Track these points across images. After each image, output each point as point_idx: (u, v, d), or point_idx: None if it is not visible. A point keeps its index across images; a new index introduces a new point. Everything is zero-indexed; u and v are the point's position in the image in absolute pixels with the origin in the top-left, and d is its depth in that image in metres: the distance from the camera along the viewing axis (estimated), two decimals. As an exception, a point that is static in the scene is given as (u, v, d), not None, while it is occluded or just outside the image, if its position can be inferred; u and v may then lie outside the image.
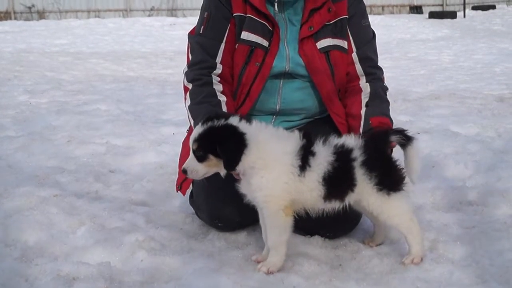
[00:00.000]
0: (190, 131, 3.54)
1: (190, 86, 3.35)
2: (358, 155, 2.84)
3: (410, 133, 2.91)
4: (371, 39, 3.50)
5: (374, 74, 3.46)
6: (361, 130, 3.26)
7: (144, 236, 3.18)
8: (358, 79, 3.43)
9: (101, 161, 4.74)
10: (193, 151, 2.80)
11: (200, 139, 2.77)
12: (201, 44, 3.36)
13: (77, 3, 23.72)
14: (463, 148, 4.90)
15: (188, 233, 3.38)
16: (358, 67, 3.43)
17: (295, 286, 2.76)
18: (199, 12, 3.52)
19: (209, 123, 2.77)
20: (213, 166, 2.80)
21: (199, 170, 2.81)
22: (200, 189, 3.32)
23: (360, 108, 3.34)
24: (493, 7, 24.90)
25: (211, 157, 2.77)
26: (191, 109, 3.30)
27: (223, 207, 3.24)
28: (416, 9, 25.84)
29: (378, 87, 3.42)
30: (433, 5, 26.46)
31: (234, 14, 3.33)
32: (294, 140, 2.84)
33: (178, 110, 6.69)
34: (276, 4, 3.35)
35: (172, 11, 24.31)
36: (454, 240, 3.21)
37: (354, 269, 2.97)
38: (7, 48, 14.08)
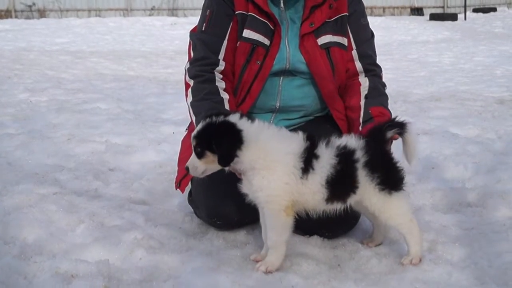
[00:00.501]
0: (189, 129, 3.54)
1: (192, 82, 3.34)
2: (360, 156, 2.83)
3: (401, 119, 2.91)
4: (370, 38, 3.52)
5: (374, 71, 3.48)
6: (361, 120, 3.27)
7: (143, 234, 3.19)
8: (358, 75, 3.44)
9: (100, 160, 4.74)
10: (193, 148, 2.81)
11: (198, 136, 2.78)
12: (204, 41, 3.35)
13: (78, 2, 23.75)
14: (463, 149, 4.89)
15: (187, 232, 3.38)
16: (358, 64, 3.44)
17: (293, 285, 2.75)
18: (200, 12, 3.51)
19: (208, 120, 2.77)
20: (211, 163, 2.79)
21: (198, 167, 2.81)
22: (199, 187, 3.32)
23: (360, 100, 3.35)
24: (494, 9, 24.90)
25: (208, 153, 2.77)
26: (193, 105, 3.29)
27: (221, 204, 3.24)
28: (417, 11, 25.82)
29: (377, 82, 3.45)
30: (434, 7, 26.46)
31: (237, 12, 3.34)
32: (297, 141, 2.82)
33: (178, 109, 6.70)
34: (281, 2, 3.36)
35: (173, 11, 24.33)
36: (453, 241, 3.21)
37: (353, 269, 2.97)
38: (7, 46, 14.08)
